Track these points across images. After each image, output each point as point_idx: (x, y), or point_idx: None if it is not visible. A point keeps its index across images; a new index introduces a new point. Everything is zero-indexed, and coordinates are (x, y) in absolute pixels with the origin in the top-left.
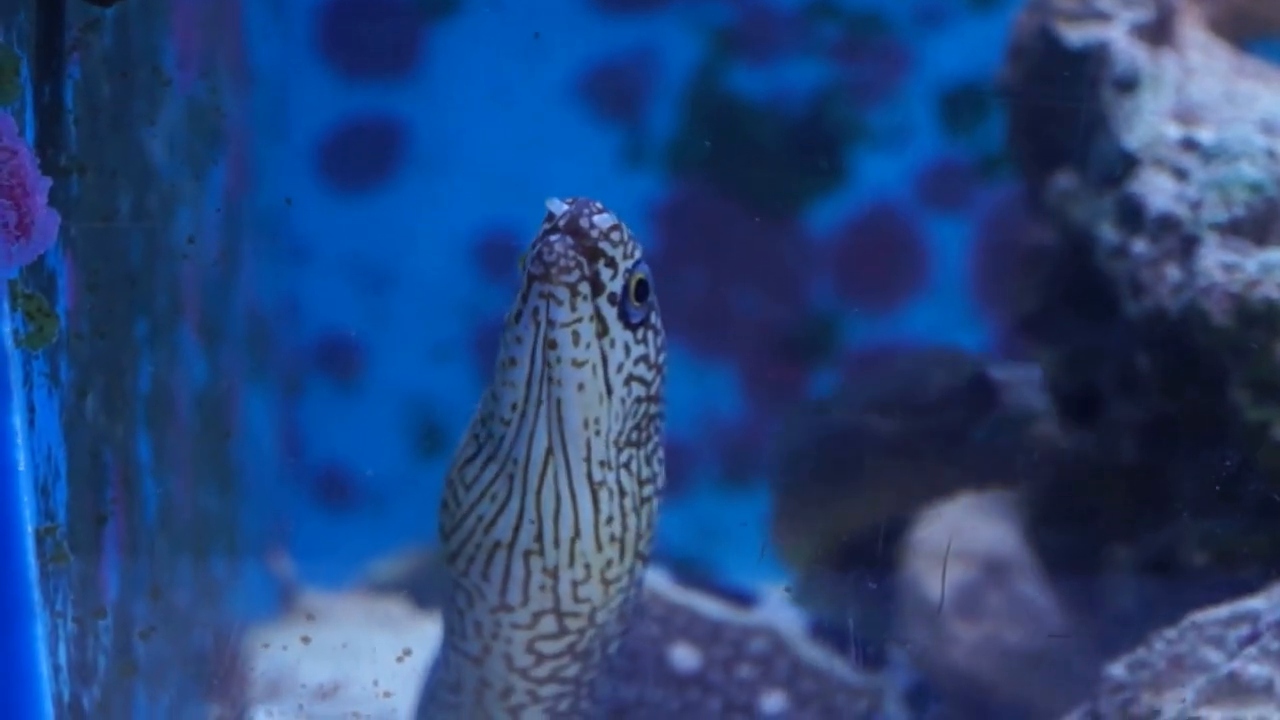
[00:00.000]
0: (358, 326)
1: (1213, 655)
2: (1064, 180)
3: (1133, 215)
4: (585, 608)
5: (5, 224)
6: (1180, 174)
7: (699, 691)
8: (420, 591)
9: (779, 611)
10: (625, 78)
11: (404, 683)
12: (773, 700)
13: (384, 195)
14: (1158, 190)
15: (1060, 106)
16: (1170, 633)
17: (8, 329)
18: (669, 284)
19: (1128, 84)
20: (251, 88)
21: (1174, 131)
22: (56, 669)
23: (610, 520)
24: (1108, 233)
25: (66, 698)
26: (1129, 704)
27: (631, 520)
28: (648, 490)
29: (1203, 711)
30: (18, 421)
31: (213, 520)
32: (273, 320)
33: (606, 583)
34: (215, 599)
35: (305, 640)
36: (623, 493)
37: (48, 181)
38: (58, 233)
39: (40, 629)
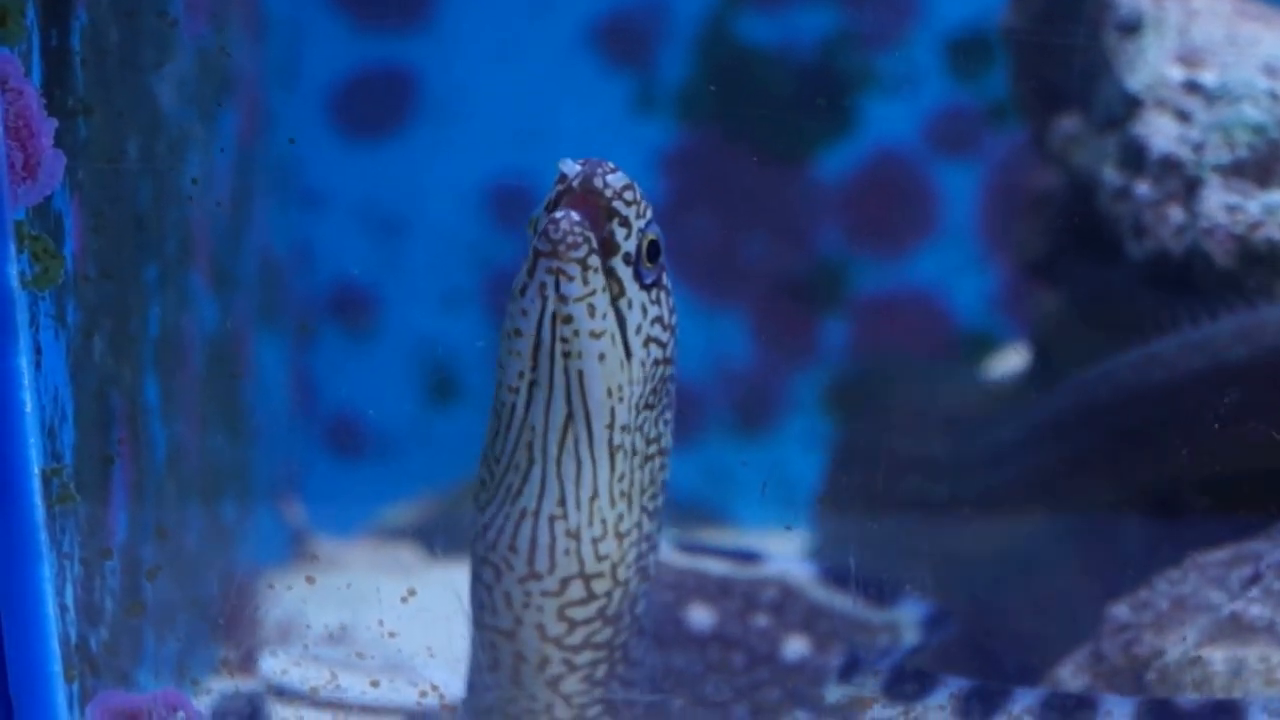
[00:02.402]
0: (370, 274)
1: (1215, 595)
2: (1068, 124)
3: (1135, 157)
4: (607, 565)
5: (12, 165)
6: (1183, 116)
7: (720, 648)
8: (431, 538)
9: (786, 564)
10: (636, 25)
11: (409, 624)
12: (794, 645)
13: (396, 144)
14: (1160, 132)
15: (1063, 49)
16: (1173, 573)
17: (13, 270)
18: (680, 231)
19: (1130, 27)
20: (265, 36)
21: (1176, 74)
22: (63, 609)
23: (622, 477)
24: (1110, 175)
25: (74, 638)
26: (1132, 644)
27: (638, 475)
28: (653, 448)
29: (1204, 651)
30: (24, 363)
31: (224, 466)
32: (286, 268)
33: (620, 536)
34: (226, 544)
35: (310, 580)
36: (634, 452)
37: (53, 123)
38: (65, 174)
39: (47, 570)
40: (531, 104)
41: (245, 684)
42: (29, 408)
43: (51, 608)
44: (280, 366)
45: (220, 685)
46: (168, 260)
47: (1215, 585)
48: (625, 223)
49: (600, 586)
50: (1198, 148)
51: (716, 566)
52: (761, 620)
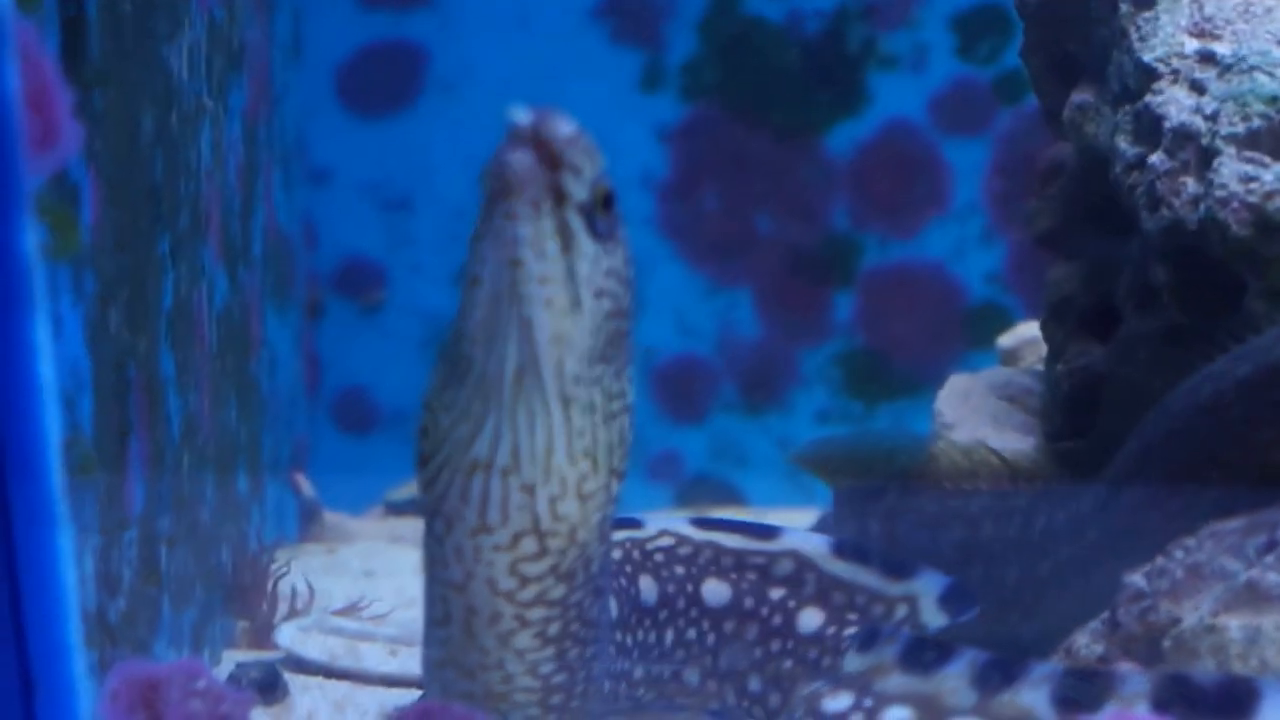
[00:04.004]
0: (378, 249)
1: (1231, 563)
2: (1081, 96)
3: (1150, 128)
4: (564, 525)
5: (28, 135)
6: (1197, 87)
7: (735, 621)
8: None
9: (801, 537)
10: (644, 1)
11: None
12: (809, 617)
13: (404, 119)
14: (1175, 103)
15: (1077, 21)
16: (1189, 541)
17: (31, 240)
18: (688, 206)
19: None
20: (272, 13)
21: (1191, 44)
22: (82, 580)
23: (582, 434)
24: (1125, 146)
25: (92, 608)
26: (1147, 612)
27: (601, 434)
28: (616, 405)
29: (1220, 619)
30: (42, 334)
31: (235, 439)
32: (294, 243)
33: (583, 498)
34: (238, 517)
35: (330, 552)
36: (593, 408)
37: (70, 93)
38: (81, 145)
39: (66, 540)
40: (539, 80)
41: (262, 654)
42: (48, 379)
43: (71, 577)
44: (288, 342)
45: (238, 656)
46: (180, 233)
47: (1231, 553)
48: (576, 171)
49: (555, 544)
50: (1212, 118)
51: (731, 541)
52: (776, 593)
